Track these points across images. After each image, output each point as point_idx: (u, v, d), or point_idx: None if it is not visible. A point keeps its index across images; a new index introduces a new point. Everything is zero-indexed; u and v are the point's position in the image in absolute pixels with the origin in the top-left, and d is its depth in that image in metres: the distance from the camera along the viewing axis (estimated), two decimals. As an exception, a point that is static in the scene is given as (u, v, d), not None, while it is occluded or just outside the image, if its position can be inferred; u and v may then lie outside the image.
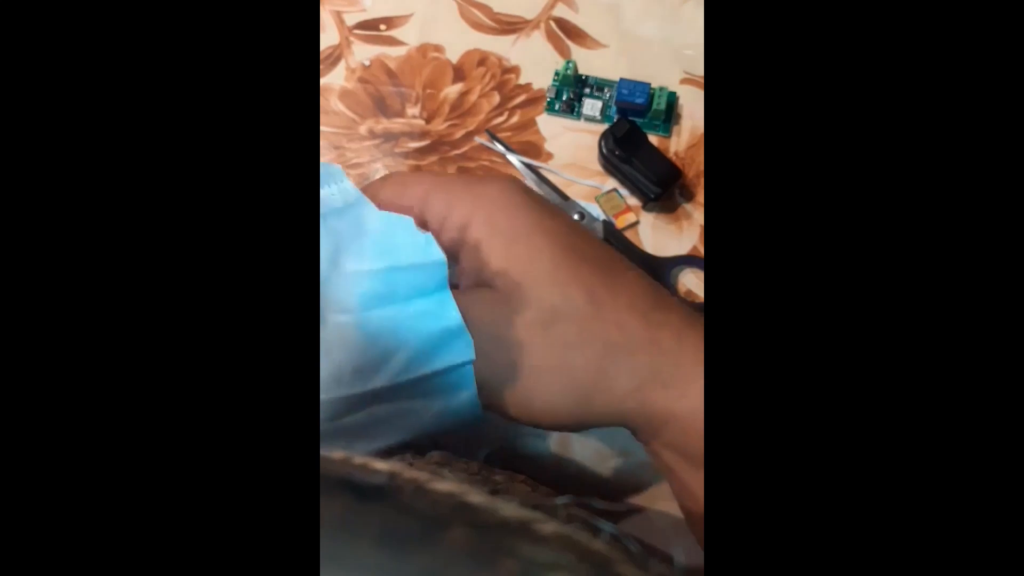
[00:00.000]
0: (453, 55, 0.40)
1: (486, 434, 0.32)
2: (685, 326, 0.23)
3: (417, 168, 0.38)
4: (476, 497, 0.15)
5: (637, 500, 0.30)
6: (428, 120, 0.39)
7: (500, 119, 0.39)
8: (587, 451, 0.32)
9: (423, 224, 0.25)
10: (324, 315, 0.23)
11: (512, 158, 0.38)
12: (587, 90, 0.39)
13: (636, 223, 0.37)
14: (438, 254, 0.22)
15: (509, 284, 0.23)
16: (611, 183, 0.37)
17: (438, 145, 0.38)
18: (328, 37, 0.41)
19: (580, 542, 0.15)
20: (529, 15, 0.41)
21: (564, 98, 0.39)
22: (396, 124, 0.39)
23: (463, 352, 0.23)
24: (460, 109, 0.39)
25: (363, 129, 0.39)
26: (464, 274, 0.25)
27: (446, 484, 0.15)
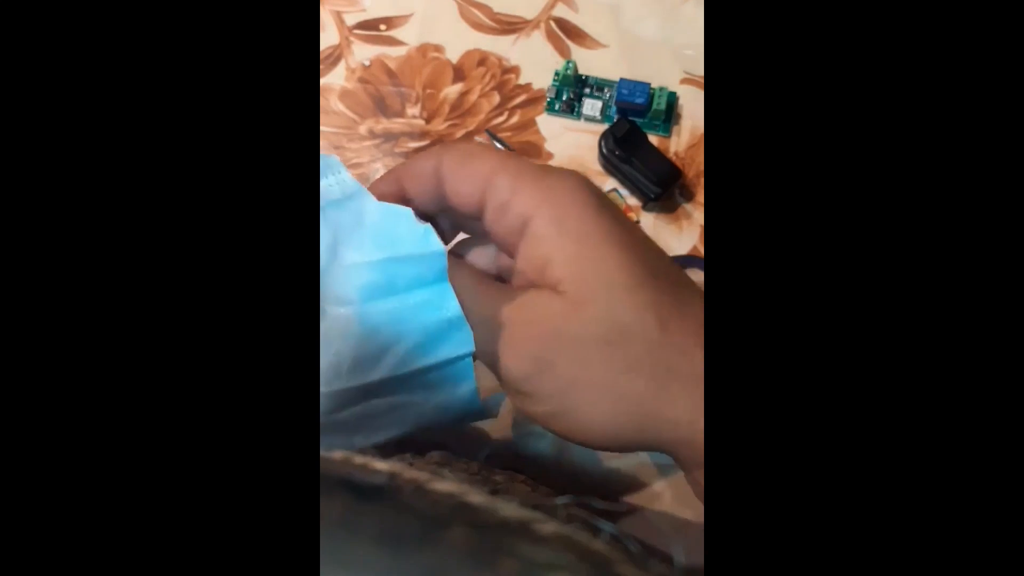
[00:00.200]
0: (453, 55, 0.40)
1: (486, 434, 0.32)
2: None
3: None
4: (476, 497, 0.15)
5: (637, 500, 0.30)
6: (428, 120, 0.39)
7: (500, 119, 0.39)
8: (587, 451, 0.32)
9: (480, 204, 0.23)
10: (324, 307, 0.23)
11: (512, 158, 0.38)
12: (587, 90, 0.39)
13: (636, 223, 0.37)
14: (437, 245, 0.22)
15: (579, 292, 0.22)
16: (611, 183, 0.37)
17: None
18: (328, 37, 0.41)
19: (580, 542, 0.15)
20: (529, 15, 0.41)
21: (564, 98, 0.39)
22: (396, 124, 0.39)
23: (463, 344, 0.23)
24: (460, 109, 0.39)
25: (363, 129, 0.39)
26: (520, 271, 0.23)
27: (446, 484, 0.15)
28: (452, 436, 0.31)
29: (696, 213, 0.37)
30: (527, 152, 0.38)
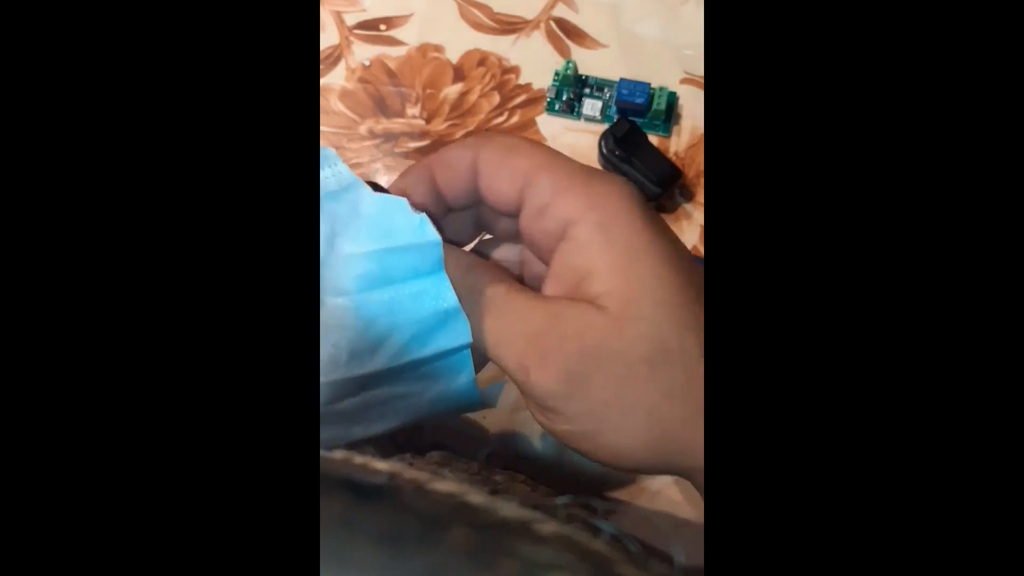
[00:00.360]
0: (453, 55, 0.40)
1: (486, 433, 0.32)
2: None
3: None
4: (476, 497, 0.15)
5: (637, 500, 0.30)
6: (428, 120, 0.39)
7: (500, 119, 0.39)
8: (587, 451, 0.31)
9: (518, 202, 0.22)
10: (322, 298, 0.23)
11: (512, 158, 0.38)
12: (587, 90, 0.39)
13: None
14: (433, 234, 0.21)
15: (623, 308, 0.20)
16: (611, 183, 0.37)
17: (438, 145, 0.38)
18: (328, 37, 0.41)
19: (580, 542, 0.15)
20: (529, 15, 0.41)
21: (564, 98, 0.39)
22: (396, 124, 0.39)
23: (460, 335, 0.22)
24: (460, 109, 0.39)
25: (363, 129, 0.39)
26: (555, 277, 0.22)
27: (446, 484, 0.15)
28: (452, 436, 0.31)
29: (696, 213, 0.37)
30: (527, 152, 0.38)
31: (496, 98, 0.39)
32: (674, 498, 0.30)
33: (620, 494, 0.31)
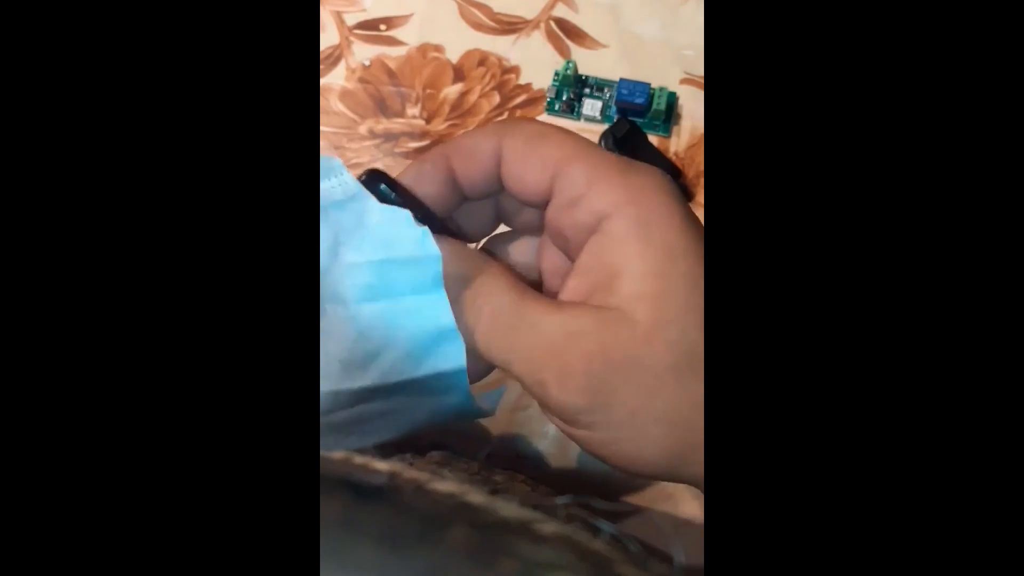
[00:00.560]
0: (453, 55, 0.40)
1: (486, 433, 0.32)
2: None
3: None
4: (476, 497, 0.15)
5: (637, 500, 0.30)
6: (428, 120, 0.39)
7: (500, 119, 0.39)
8: (587, 451, 0.31)
9: (546, 193, 0.21)
10: (323, 306, 0.22)
11: (512, 158, 0.38)
12: (587, 90, 0.39)
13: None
14: (434, 249, 0.21)
15: (654, 313, 0.19)
16: (611, 183, 0.37)
17: (438, 145, 0.38)
18: (328, 37, 0.41)
19: (580, 542, 0.15)
20: (529, 15, 0.41)
21: (564, 98, 0.39)
22: (396, 124, 0.39)
23: (453, 358, 0.22)
24: (460, 109, 0.39)
25: (363, 129, 0.39)
26: (583, 271, 0.21)
27: (446, 484, 0.15)
28: (452, 436, 0.31)
29: (696, 213, 0.37)
30: (527, 152, 0.38)
31: (496, 98, 0.39)
32: (674, 498, 0.30)
33: (620, 494, 0.31)
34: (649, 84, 0.38)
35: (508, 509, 0.15)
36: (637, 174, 0.21)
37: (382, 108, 0.39)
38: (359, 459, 0.16)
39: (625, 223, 0.20)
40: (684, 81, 0.39)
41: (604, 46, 0.40)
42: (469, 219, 0.24)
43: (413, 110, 0.39)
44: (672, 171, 0.36)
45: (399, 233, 0.21)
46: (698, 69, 0.39)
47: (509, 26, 0.41)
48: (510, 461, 0.31)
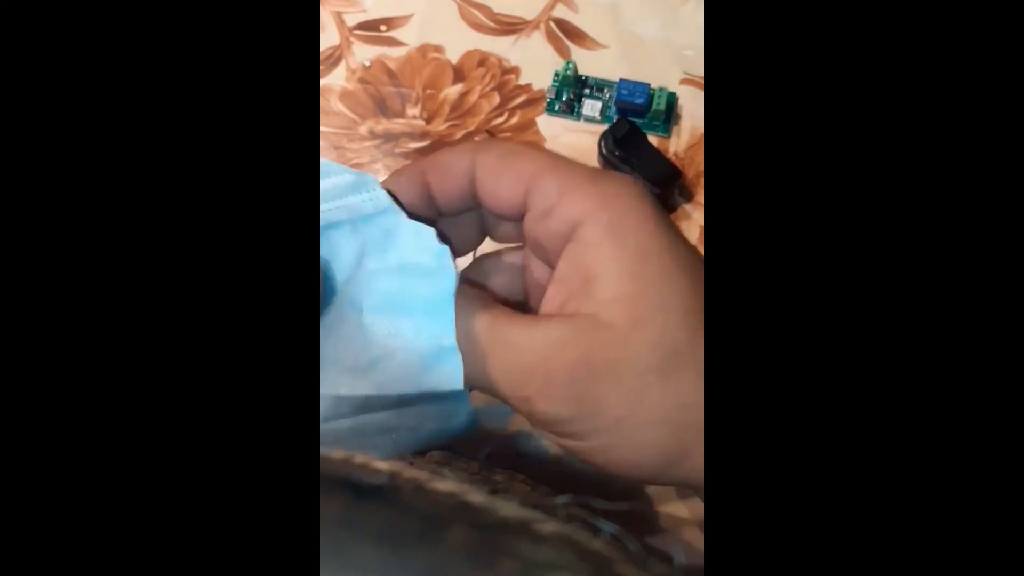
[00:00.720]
0: (453, 55, 0.40)
1: (486, 433, 0.32)
2: None
3: (417, 168, 0.38)
4: (476, 497, 0.15)
5: (637, 500, 0.30)
6: (428, 120, 0.39)
7: (500, 120, 0.39)
8: (587, 451, 0.31)
9: (521, 206, 0.22)
10: (341, 312, 0.23)
11: (512, 158, 0.38)
12: (587, 91, 0.39)
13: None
14: (450, 267, 0.21)
15: (631, 314, 0.19)
16: (611, 183, 0.37)
17: (438, 146, 0.38)
18: (328, 38, 0.41)
19: (580, 542, 0.15)
20: (529, 16, 0.41)
21: (564, 99, 0.39)
22: (396, 124, 0.39)
23: (452, 379, 0.22)
24: (460, 110, 0.39)
25: (363, 129, 0.39)
26: (561, 279, 0.21)
27: (446, 483, 0.15)
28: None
29: (696, 213, 0.37)
30: (527, 152, 0.38)
31: (496, 98, 0.39)
32: (674, 498, 0.30)
33: (620, 494, 0.31)
34: (649, 84, 0.38)
35: (508, 509, 0.15)
36: (609, 181, 0.21)
37: (382, 108, 0.39)
38: (359, 459, 0.16)
39: (598, 228, 0.20)
40: (684, 81, 0.39)
41: (604, 46, 0.40)
42: (456, 232, 0.25)
43: (413, 110, 0.39)
44: (672, 171, 0.36)
45: (419, 247, 0.22)
46: (698, 69, 0.39)
47: (509, 26, 0.41)
48: (510, 461, 0.31)
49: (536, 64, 0.40)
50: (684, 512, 0.30)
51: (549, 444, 0.32)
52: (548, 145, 0.38)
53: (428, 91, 0.39)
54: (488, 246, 0.26)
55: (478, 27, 0.41)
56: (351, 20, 0.41)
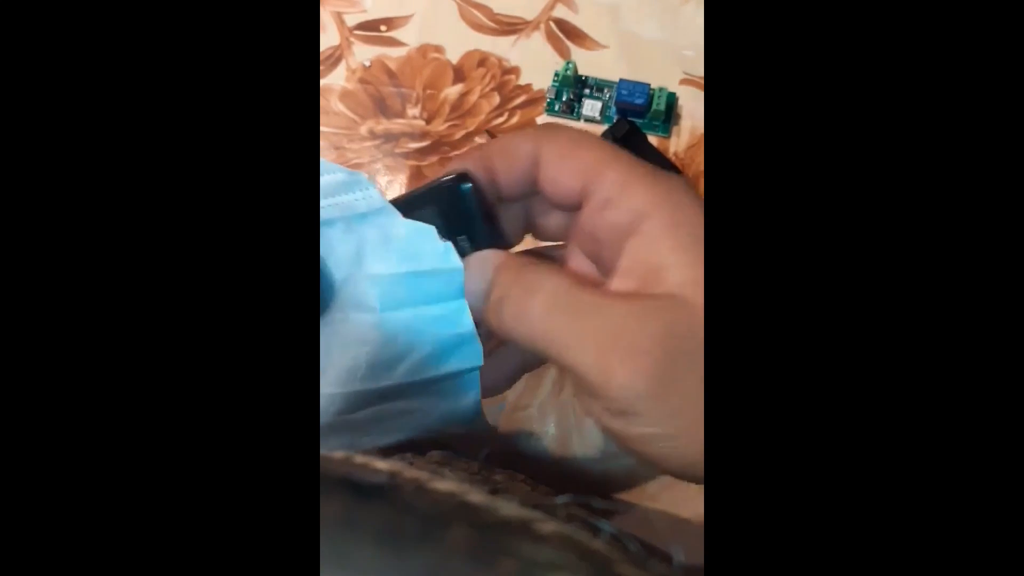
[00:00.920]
0: (453, 56, 0.40)
1: (486, 434, 0.32)
2: None
3: (417, 169, 0.38)
4: (476, 496, 0.15)
5: (637, 499, 0.30)
6: (428, 121, 0.39)
7: (500, 120, 0.39)
8: (587, 450, 0.32)
9: (580, 196, 0.22)
10: (346, 312, 0.24)
11: (512, 158, 0.38)
12: (587, 91, 0.39)
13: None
14: (456, 262, 0.22)
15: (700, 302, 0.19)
16: (611, 183, 0.37)
17: (438, 146, 0.38)
18: (328, 38, 0.41)
19: (580, 541, 0.15)
20: (529, 16, 0.41)
21: (564, 99, 0.39)
22: (396, 125, 0.39)
23: (472, 358, 0.23)
24: (460, 110, 0.39)
25: (363, 130, 0.39)
26: (625, 271, 0.21)
27: (446, 483, 0.15)
28: (452, 436, 0.31)
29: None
30: (527, 152, 0.38)
31: (496, 99, 0.39)
32: (674, 498, 0.30)
33: (620, 494, 0.31)
34: (649, 84, 0.38)
35: (508, 509, 0.15)
36: (666, 180, 0.22)
37: (382, 109, 0.39)
38: (359, 458, 0.16)
39: (661, 222, 0.21)
40: (684, 81, 0.39)
41: (604, 47, 0.40)
42: (503, 224, 0.25)
43: (413, 111, 0.39)
44: (672, 171, 0.36)
45: (424, 247, 0.23)
46: (698, 69, 0.39)
47: (509, 27, 0.41)
48: (510, 461, 0.31)
49: (536, 64, 0.40)
50: (684, 512, 0.30)
51: (549, 444, 0.32)
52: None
53: (428, 91, 0.39)
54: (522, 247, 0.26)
55: (478, 27, 0.41)
56: (351, 20, 0.41)
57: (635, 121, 0.37)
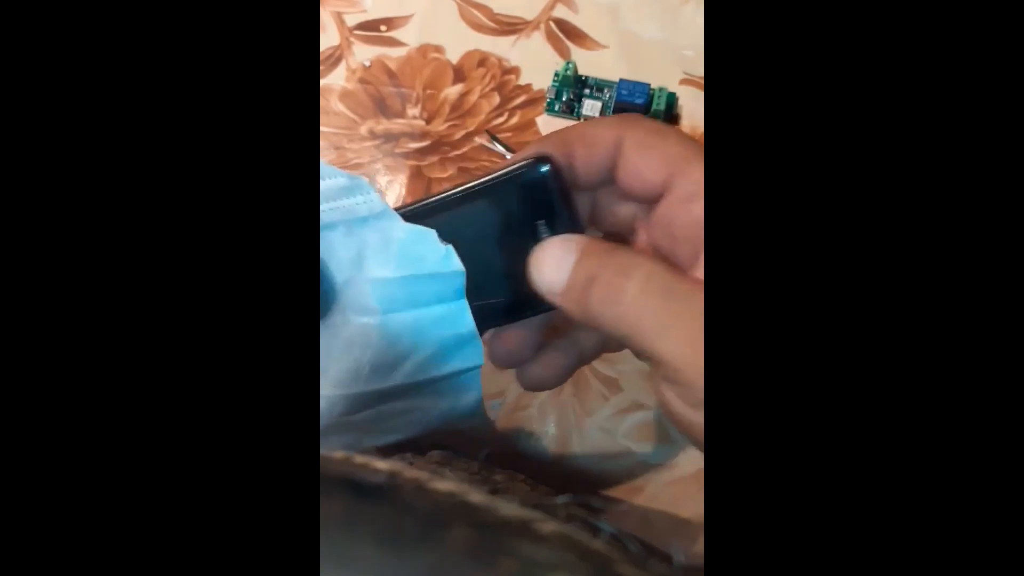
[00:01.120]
0: (453, 56, 0.40)
1: (486, 432, 0.32)
2: None
3: (417, 169, 0.38)
4: (476, 496, 0.15)
5: (637, 499, 0.30)
6: (428, 121, 0.39)
7: (500, 120, 0.39)
8: (587, 450, 0.32)
9: (661, 188, 0.22)
10: (347, 315, 0.24)
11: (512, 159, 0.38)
12: (587, 91, 0.39)
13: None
14: (457, 265, 0.22)
15: None
16: (611, 183, 0.37)
17: (438, 146, 0.38)
18: (329, 38, 0.41)
19: (580, 541, 0.15)
20: (529, 16, 0.41)
21: (564, 99, 0.39)
22: (396, 125, 0.39)
23: (473, 357, 0.24)
24: (460, 110, 0.39)
25: (363, 130, 0.39)
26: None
27: (446, 483, 0.15)
28: (452, 435, 0.31)
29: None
30: (527, 152, 0.38)
31: (496, 99, 0.39)
32: (674, 498, 0.30)
33: (620, 494, 0.31)
34: (649, 84, 0.38)
35: (508, 509, 0.15)
36: None
37: (382, 109, 0.39)
38: (359, 458, 0.16)
39: None
40: (684, 81, 0.39)
41: (604, 46, 0.40)
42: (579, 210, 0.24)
43: (413, 111, 0.39)
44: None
45: (424, 251, 0.23)
46: (698, 69, 0.39)
47: (509, 27, 0.41)
48: (510, 461, 0.31)
49: (536, 64, 0.40)
50: (684, 512, 0.30)
51: (549, 444, 0.32)
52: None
53: (428, 91, 0.39)
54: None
55: (478, 27, 0.41)
56: (351, 20, 0.41)
57: (635, 121, 0.37)
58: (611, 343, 0.26)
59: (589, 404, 0.32)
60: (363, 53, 0.41)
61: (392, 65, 0.40)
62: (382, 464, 0.16)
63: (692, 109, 0.39)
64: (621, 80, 0.38)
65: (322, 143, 0.39)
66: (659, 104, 0.37)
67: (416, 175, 0.38)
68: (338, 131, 0.39)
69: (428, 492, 0.15)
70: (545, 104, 0.39)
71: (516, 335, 0.25)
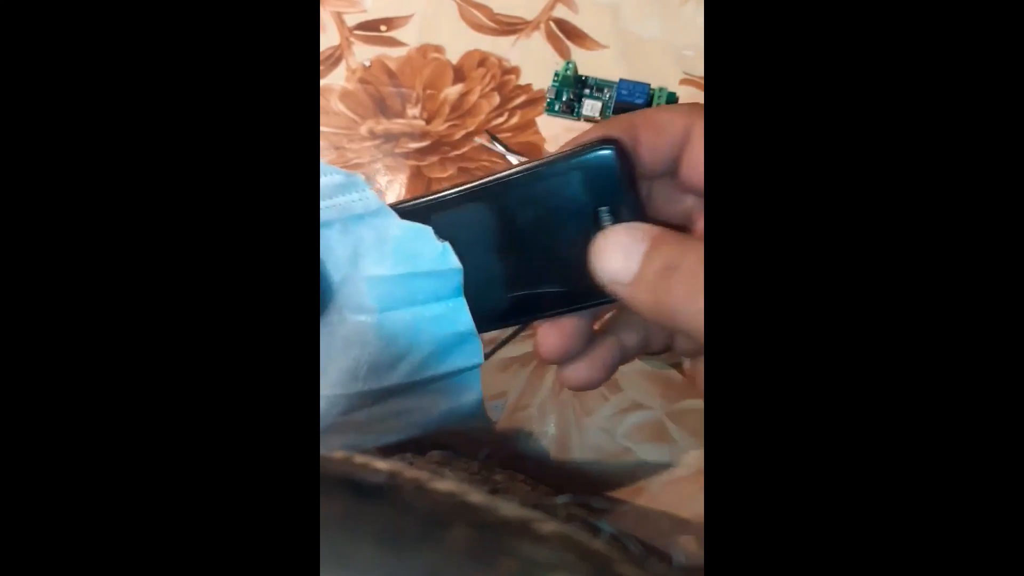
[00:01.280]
0: (453, 56, 0.40)
1: (486, 432, 0.32)
2: None
3: (417, 169, 0.38)
4: (476, 496, 0.15)
5: (637, 499, 0.30)
6: (428, 121, 0.39)
7: (500, 120, 0.39)
8: (587, 450, 0.32)
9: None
10: (344, 314, 0.24)
11: (512, 159, 0.38)
12: (587, 91, 0.39)
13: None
14: (454, 262, 0.22)
15: None
16: (611, 183, 0.37)
17: (438, 146, 0.38)
18: (329, 38, 0.41)
19: (580, 541, 0.15)
20: (529, 16, 0.41)
21: (564, 99, 0.39)
22: (396, 125, 0.39)
23: (472, 356, 0.24)
24: (460, 110, 0.39)
25: (363, 130, 0.39)
26: None
27: (446, 483, 0.15)
28: (453, 436, 0.31)
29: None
30: (528, 153, 0.38)
31: (496, 99, 0.39)
32: (674, 498, 0.30)
33: (620, 494, 0.31)
34: (649, 84, 0.38)
35: (508, 508, 0.15)
36: None
37: (382, 109, 0.39)
38: (359, 458, 0.16)
39: None
40: (684, 81, 0.39)
41: (604, 46, 0.40)
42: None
43: (413, 111, 0.39)
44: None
45: (420, 248, 0.23)
46: (698, 69, 0.39)
47: (509, 27, 0.41)
48: (510, 461, 0.31)
49: (536, 64, 0.40)
50: (684, 512, 0.30)
51: (549, 444, 0.32)
52: (548, 145, 0.38)
53: (428, 91, 0.39)
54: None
55: (478, 27, 0.41)
56: (351, 20, 0.41)
57: (635, 121, 0.37)
58: (654, 342, 0.24)
59: (589, 404, 0.32)
60: (363, 53, 0.41)
61: (392, 65, 0.40)
62: (382, 464, 0.16)
63: (692, 109, 0.39)
64: (621, 80, 0.38)
65: (322, 143, 0.39)
66: (659, 104, 0.37)
67: (416, 175, 0.38)
68: (338, 131, 0.39)
69: (428, 492, 0.15)
70: (545, 104, 0.39)
71: (567, 327, 0.23)
